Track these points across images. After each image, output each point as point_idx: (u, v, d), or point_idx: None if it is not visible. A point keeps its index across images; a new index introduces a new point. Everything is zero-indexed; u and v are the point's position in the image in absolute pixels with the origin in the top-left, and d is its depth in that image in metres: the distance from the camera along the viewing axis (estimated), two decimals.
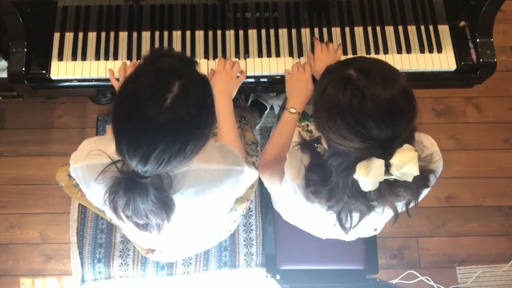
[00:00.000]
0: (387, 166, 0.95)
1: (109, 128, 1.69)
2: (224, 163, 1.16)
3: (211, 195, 1.15)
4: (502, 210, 2.28)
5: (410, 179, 0.97)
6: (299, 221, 1.55)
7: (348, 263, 1.67)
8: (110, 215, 1.21)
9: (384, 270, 2.15)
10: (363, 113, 0.93)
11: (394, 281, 2.15)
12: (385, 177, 0.96)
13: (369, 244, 1.68)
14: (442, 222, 2.25)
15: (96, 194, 1.15)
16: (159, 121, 0.89)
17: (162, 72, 0.94)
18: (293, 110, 1.44)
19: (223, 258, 1.99)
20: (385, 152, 0.94)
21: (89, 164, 1.11)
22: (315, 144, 1.21)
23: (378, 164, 0.94)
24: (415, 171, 0.95)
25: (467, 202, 2.29)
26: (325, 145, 1.10)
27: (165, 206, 1.02)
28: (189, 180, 1.10)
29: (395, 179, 0.98)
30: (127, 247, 1.96)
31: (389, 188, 1.00)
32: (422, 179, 1.04)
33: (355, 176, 0.98)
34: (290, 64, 1.54)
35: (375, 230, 1.51)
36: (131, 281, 1.96)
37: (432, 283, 2.16)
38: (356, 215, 1.12)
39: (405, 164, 0.94)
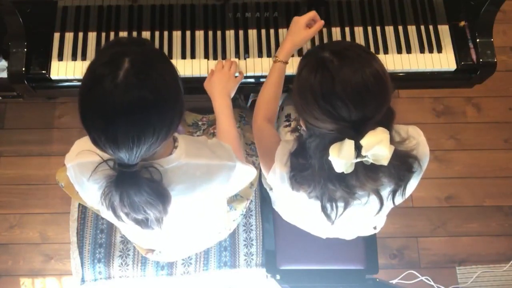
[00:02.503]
0: (359, 148, 0.96)
1: None
2: (215, 158, 1.15)
3: (201, 191, 1.15)
4: (502, 210, 2.28)
5: (385, 163, 0.98)
6: (299, 220, 1.55)
7: (348, 263, 1.67)
8: (104, 215, 1.21)
9: (384, 270, 2.15)
10: (332, 94, 0.95)
11: (394, 281, 2.15)
12: (359, 159, 0.98)
13: (369, 244, 1.68)
14: (442, 222, 2.25)
15: (90, 193, 1.16)
16: (116, 98, 0.89)
17: (113, 53, 0.94)
18: (273, 59, 1.44)
19: (223, 258, 1.99)
20: (357, 133, 0.96)
21: (79, 163, 1.12)
22: (298, 127, 1.23)
23: (348, 144, 0.95)
24: (386, 153, 0.96)
25: (467, 202, 2.29)
26: (303, 127, 1.12)
27: (161, 196, 1.02)
28: (179, 176, 1.09)
29: (372, 163, 0.99)
30: (127, 247, 1.97)
31: (365, 172, 1.01)
32: (403, 164, 1.06)
33: (329, 157, 0.99)
34: (290, 64, 1.53)
35: (375, 228, 1.51)
36: (131, 281, 1.96)
37: (432, 283, 2.16)
38: (341, 205, 1.12)
39: (374, 145, 0.95)
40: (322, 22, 1.43)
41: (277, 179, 1.21)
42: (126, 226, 1.39)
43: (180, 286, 2.00)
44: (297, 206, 1.39)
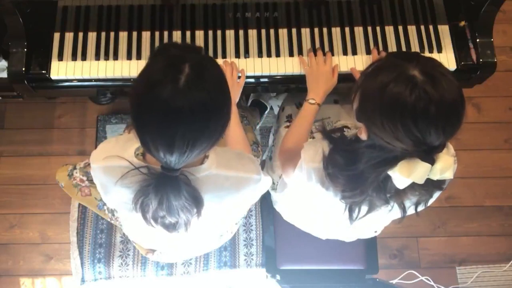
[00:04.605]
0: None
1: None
2: (244, 171, 1.16)
3: (228, 202, 1.16)
4: (502, 210, 2.28)
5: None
6: (300, 221, 1.55)
7: (348, 263, 1.67)
8: (121, 215, 1.20)
9: (384, 270, 2.15)
10: (425, 118, 0.91)
11: (394, 281, 2.15)
12: None
13: (369, 244, 1.68)
14: (442, 222, 2.25)
15: (114, 196, 1.16)
16: (178, 102, 0.90)
17: (171, 58, 0.95)
18: (312, 101, 1.45)
19: (223, 258, 1.99)
20: (428, 156, 0.95)
21: (106, 166, 1.11)
22: (344, 128, 1.23)
23: (424, 168, 0.95)
24: (451, 176, 0.98)
25: (467, 202, 2.29)
26: (363, 136, 1.06)
27: (196, 200, 1.03)
28: (208, 185, 1.10)
29: None
30: (127, 247, 1.96)
31: (411, 186, 1.02)
32: (439, 182, 1.05)
33: (391, 172, 0.98)
34: (290, 64, 1.54)
35: (375, 232, 1.52)
36: (131, 281, 1.96)
37: (432, 283, 2.16)
38: (364, 208, 1.13)
39: (447, 169, 0.96)
40: (337, 64, 1.53)
41: (303, 175, 1.20)
42: (131, 226, 1.39)
43: (180, 286, 2.00)
44: (309, 206, 1.39)
